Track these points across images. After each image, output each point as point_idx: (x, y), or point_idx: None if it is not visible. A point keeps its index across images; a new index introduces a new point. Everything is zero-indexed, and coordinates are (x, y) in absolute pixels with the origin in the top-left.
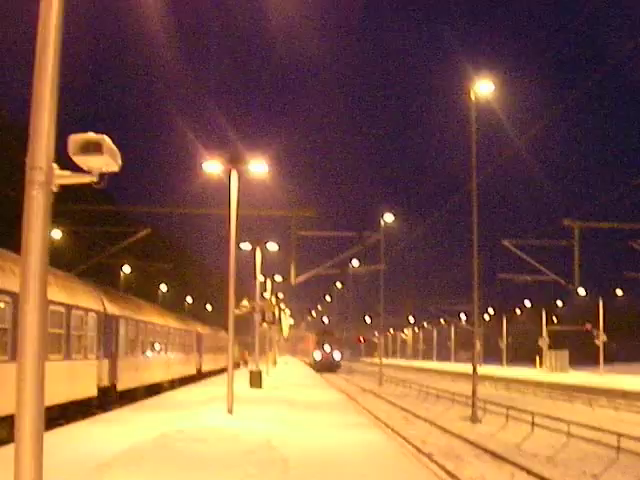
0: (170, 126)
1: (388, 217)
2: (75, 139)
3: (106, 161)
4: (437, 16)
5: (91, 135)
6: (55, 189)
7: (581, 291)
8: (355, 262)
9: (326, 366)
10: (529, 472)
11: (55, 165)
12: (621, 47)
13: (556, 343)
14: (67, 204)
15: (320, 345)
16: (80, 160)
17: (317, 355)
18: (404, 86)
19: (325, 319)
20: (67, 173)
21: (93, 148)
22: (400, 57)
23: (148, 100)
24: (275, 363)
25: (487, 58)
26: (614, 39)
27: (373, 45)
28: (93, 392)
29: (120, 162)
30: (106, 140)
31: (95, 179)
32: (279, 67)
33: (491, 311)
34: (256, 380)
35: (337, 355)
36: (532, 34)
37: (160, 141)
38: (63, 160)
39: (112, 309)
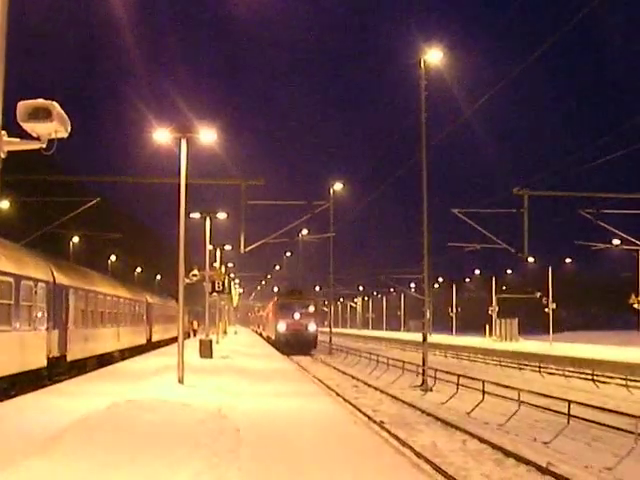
0: (120, 95)
1: (337, 186)
2: (24, 105)
3: (55, 127)
4: None
5: (40, 101)
6: (4, 155)
7: (530, 259)
8: (305, 231)
9: (296, 343)
10: (481, 439)
11: (4, 132)
12: (574, 15)
13: (505, 311)
14: (16, 174)
15: (286, 312)
16: (29, 126)
17: (281, 327)
18: (354, 54)
19: (275, 289)
20: (16, 140)
21: (42, 114)
22: (349, 26)
23: (97, 68)
24: (225, 333)
25: (437, 25)
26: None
27: (322, 15)
28: (42, 363)
29: (69, 128)
30: (55, 106)
31: (44, 145)
32: (229, 36)
33: (441, 280)
34: (206, 350)
35: (312, 326)
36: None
37: (109, 110)
38: (13, 129)
39: (61, 279)
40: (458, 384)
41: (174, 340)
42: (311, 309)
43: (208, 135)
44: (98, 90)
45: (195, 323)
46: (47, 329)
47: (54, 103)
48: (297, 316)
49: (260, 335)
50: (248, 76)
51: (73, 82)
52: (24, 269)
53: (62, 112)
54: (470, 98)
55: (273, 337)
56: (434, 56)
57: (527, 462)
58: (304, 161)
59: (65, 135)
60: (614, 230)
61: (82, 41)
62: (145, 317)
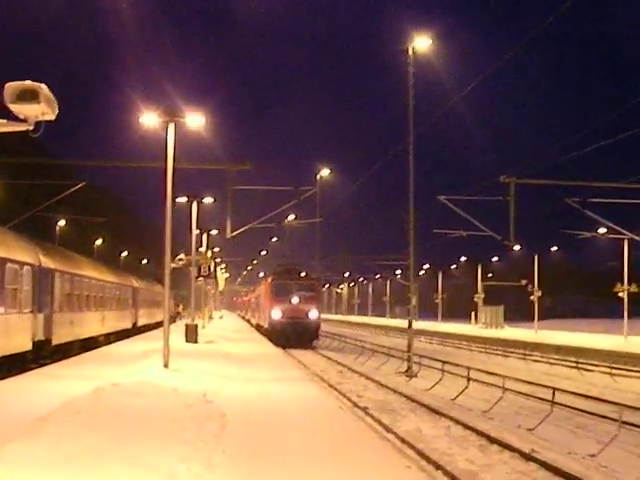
0: (107, 78)
1: (324, 171)
2: (12, 87)
3: (43, 109)
4: None
5: (28, 83)
6: None
7: (516, 247)
8: (291, 216)
9: (294, 333)
10: (465, 426)
11: None
12: (562, 3)
13: (491, 299)
14: (1, 157)
15: (282, 296)
16: (16, 108)
17: (276, 314)
18: (341, 40)
19: (261, 274)
20: (2, 121)
21: (30, 96)
22: (336, 11)
23: (85, 51)
24: (211, 317)
25: (426, 12)
26: None
27: (308, 1)
28: (27, 346)
29: (57, 111)
30: (43, 88)
31: (31, 128)
32: (216, 21)
33: (427, 266)
34: (192, 334)
35: (314, 313)
36: None
37: (97, 93)
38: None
39: (47, 263)
40: (443, 370)
41: (160, 324)
42: (312, 292)
43: (196, 120)
44: (86, 74)
45: (180, 306)
46: (32, 312)
47: (42, 85)
48: (295, 300)
49: (248, 321)
50: (235, 62)
51: (60, 65)
52: (9, 252)
53: (50, 94)
54: (458, 85)
55: (266, 326)
56: (422, 43)
57: (511, 448)
58: (291, 147)
59: (52, 117)
60: (600, 219)
61: (70, 25)
62: (131, 301)
